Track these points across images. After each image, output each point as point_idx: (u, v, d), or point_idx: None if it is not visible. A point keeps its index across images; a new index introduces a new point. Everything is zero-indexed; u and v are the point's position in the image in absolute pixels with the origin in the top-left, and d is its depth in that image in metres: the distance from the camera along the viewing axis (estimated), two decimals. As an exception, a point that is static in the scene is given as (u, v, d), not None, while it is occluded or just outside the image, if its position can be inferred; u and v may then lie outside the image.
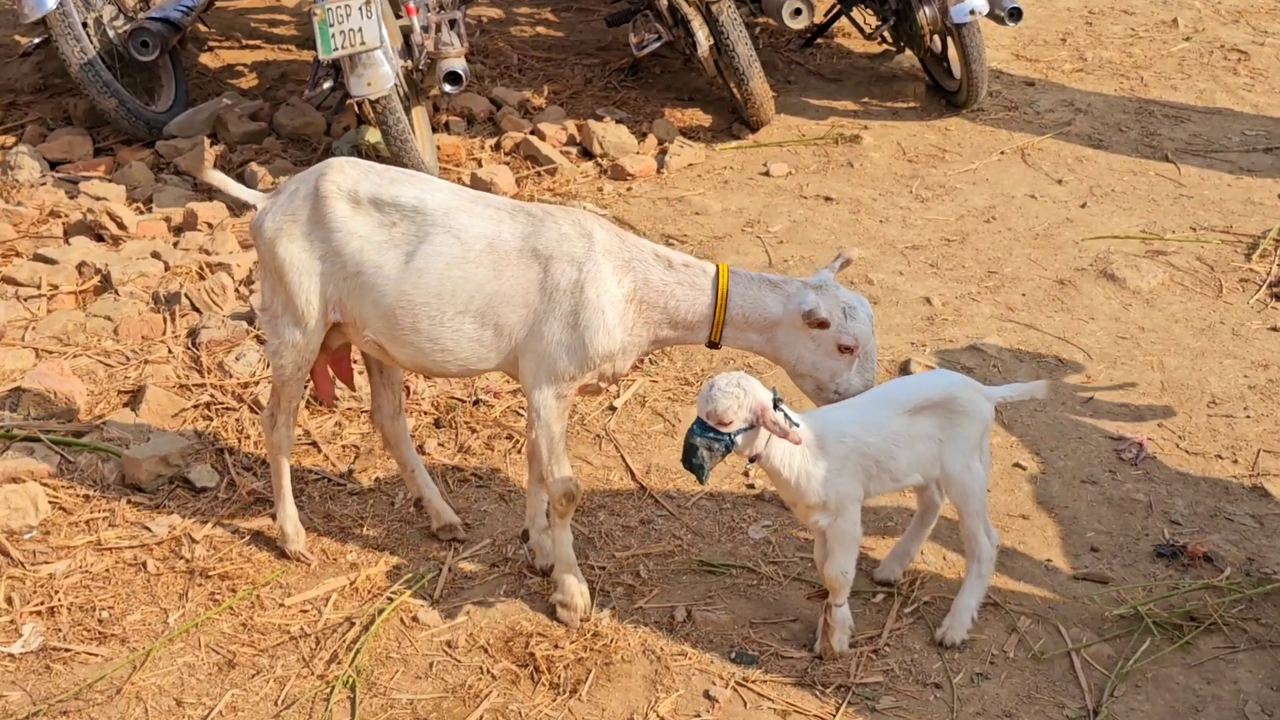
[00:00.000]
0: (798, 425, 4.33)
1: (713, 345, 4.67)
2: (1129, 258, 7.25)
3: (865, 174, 8.35)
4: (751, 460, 4.37)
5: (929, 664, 4.61)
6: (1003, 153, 8.66)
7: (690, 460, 4.26)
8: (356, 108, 7.29)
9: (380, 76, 7.15)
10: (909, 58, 9.84)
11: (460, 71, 7.62)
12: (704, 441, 4.24)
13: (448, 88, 7.66)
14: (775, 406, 4.27)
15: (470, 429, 5.90)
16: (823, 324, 4.47)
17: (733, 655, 4.66)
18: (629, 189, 8.12)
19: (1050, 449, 5.71)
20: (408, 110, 7.90)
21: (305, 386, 5.08)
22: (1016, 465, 5.61)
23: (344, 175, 4.67)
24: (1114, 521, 5.29)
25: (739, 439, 4.25)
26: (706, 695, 4.50)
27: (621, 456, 5.73)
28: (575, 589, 4.81)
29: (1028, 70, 9.95)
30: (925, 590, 4.93)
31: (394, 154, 7.44)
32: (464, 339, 4.59)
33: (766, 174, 8.32)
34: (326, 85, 7.73)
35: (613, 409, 6.03)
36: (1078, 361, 6.36)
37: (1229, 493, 5.45)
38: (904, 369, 6.22)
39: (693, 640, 4.72)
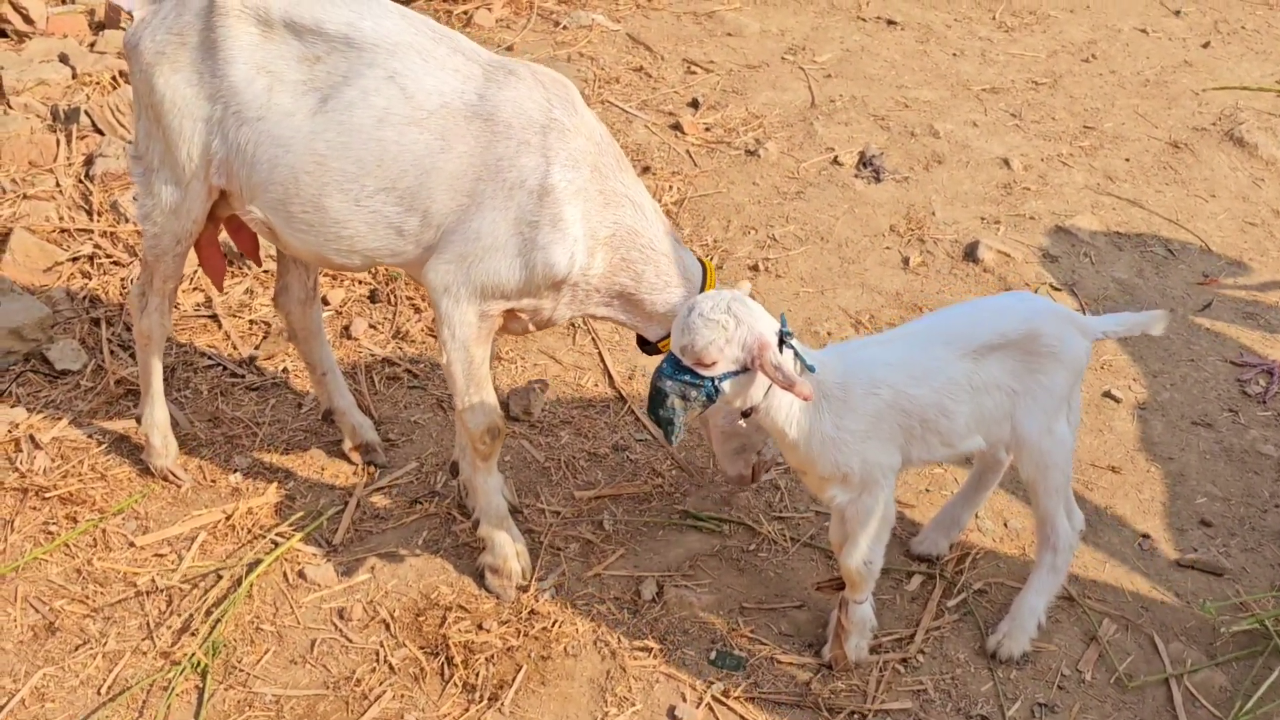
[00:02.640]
0: (813, 369, 3.05)
1: (646, 348, 3.53)
2: (1262, 116, 5.82)
3: (940, -8, 6.88)
4: (745, 414, 3.10)
5: (976, 685, 3.41)
6: (1110, -28, 7.13)
7: (657, 411, 3.01)
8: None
9: None
10: None
11: None
12: (677, 386, 2.97)
13: None
14: (781, 343, 2.98)
15: (413, 307, 4.66)
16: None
17: (713, 656, 3.48)
18: (651, -1, 6.70)
19: (1154, 374, 4.41)
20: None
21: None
22: (1107, 395, 4.33)
23: None
24: (1233, 483, 4.02)
25: (726, 385, 2.98)
26: (671, 716, 3.33)
27: (600, 354, 4.49)
28: (508, 550, 3.63)
29: None
30: (977, 573, 3.71)
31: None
32: (380, 225, 3.32)
33: (820, -13, 6.86)
34: None
35: (596, 288, 4.75)
36: (1192, 253, 5.00)
37: (1389, 450, 4.16)
38: (970, 253, 4.89)
39: (661, 629, 3.54)
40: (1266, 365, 4.43)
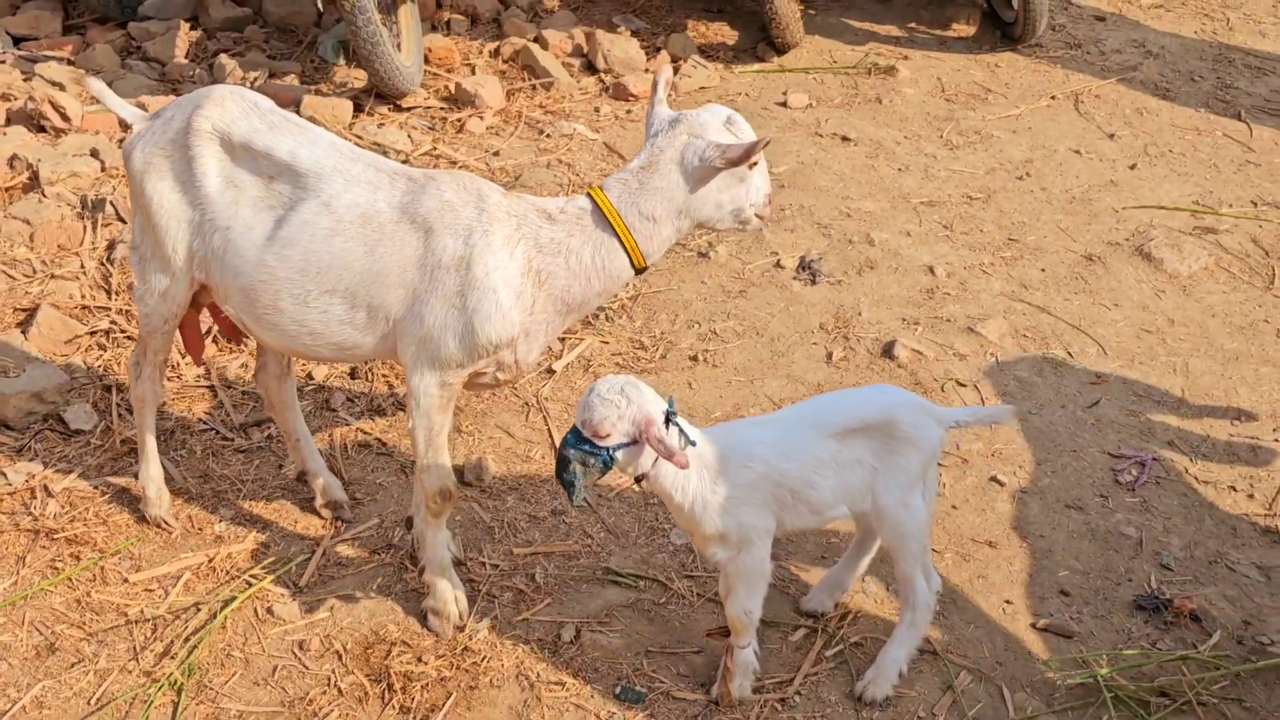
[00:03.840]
0: (694, 444, 3.64)
1: (641, 271, 3.96)
2: (1172, 234, 6.39)
3: (894, 112, 7.50)
4: (637, 480, 3.69)
5: (842, 723, 3.94)
6: (1054, 97, 7.76)
7: (561, 474, 3.60)
8: (319, 3, 6.58)
9: (346, -30, 6.44)
10: (968, -20, 8.91)
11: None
12: (578, 454, 3.56)
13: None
14: (668, 421, 3.58)
15: (388, 384, 5.26)
16: (748, 159, 3.80)
17: (617, 690, 4.02)
18: (628, 111, 7.35)
19: (1037, 462, 4.96)
20: (392, 7, 7.18)
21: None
22: (993, 480, 4.87)
23: (221, 110, 4.00)
24: (1094, 559, 4.56)
25: (619, 455, 3.57)
26: (576, 739, 3.88)
27: (549, 430, 5.07)
28: (448, 595, 4.20)
29: (1100, 1, 8.98)
30: (856, 629, 4.24)
31: (363, 57, 6.75)
32: (333, 321, 3.93)
33: (784, 104, 7.50)
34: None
35: (551, 372, 5.35)
36: (1089, 356, 5.56)
37: (1236, 535, 4.69)
38: (887, 350, 5.47)
39: (575, 667, 4.09)
40: (1140, 457, 4.97)
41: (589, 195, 3.90)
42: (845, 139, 7.17)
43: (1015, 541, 4.62)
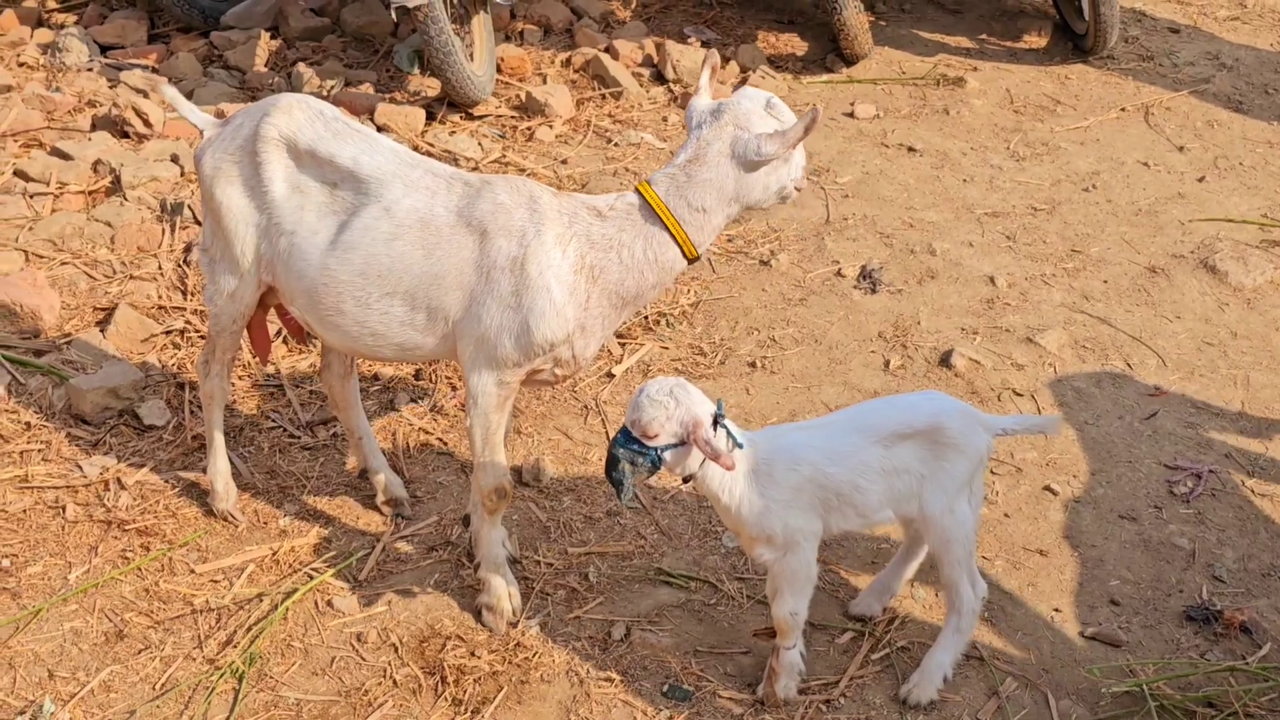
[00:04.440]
0: (741, 446, 3.71)
1: (693, 260, 4.04)
2: (1238, 247, 6.35)
3: (961, 123, 7.52)
4: (685, 480, 3.76)
5: (886, 725, 3.99)
6: (1123, 109, 7.73)
7: (611, 472, 3.69)
8: (394, 14, 6.73)
9: (419, -18, 6.57)
10: (1040, -9, 8.90)
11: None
12: (627, 454, 3.65)
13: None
14: (716, 423, 3.65)
15: (451, 385, 5.38)
16: (805, 137, 3.94)
17: (665, 688, 4.09)
18: (695, 121, 7.40)
19: (1092, 472, 4.97)
20: (465, 18, 7.32)
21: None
22: (1047, 489, 4.88)
23: (289, 118, 4.13)
24: (1146, 570, 4.56)
25: (667, 455, 3.65)
26: (623, 735, 3.96)
27: (607, 433, 5.15)
28: (502, 591, 4.30)
29: (1175, 13, 8.92)
30: (903, 633, 4.28)
31: (436, 67, 6.88)
32: (394, 323, 4.05)
33: (851, 115, 7.55)
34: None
35: (610, 376, 5.44)
36: (1149, 368, 5.55)
37: (1292, 548, 4.67)
38: (944, 359, 5.49)
39: (625, 664, 4.17)
40: (1196, 469, 4.97)
41: (636, 190, 3.99)
42: (911, 150, 7.20)
43: (1066, 550, 4.64)
